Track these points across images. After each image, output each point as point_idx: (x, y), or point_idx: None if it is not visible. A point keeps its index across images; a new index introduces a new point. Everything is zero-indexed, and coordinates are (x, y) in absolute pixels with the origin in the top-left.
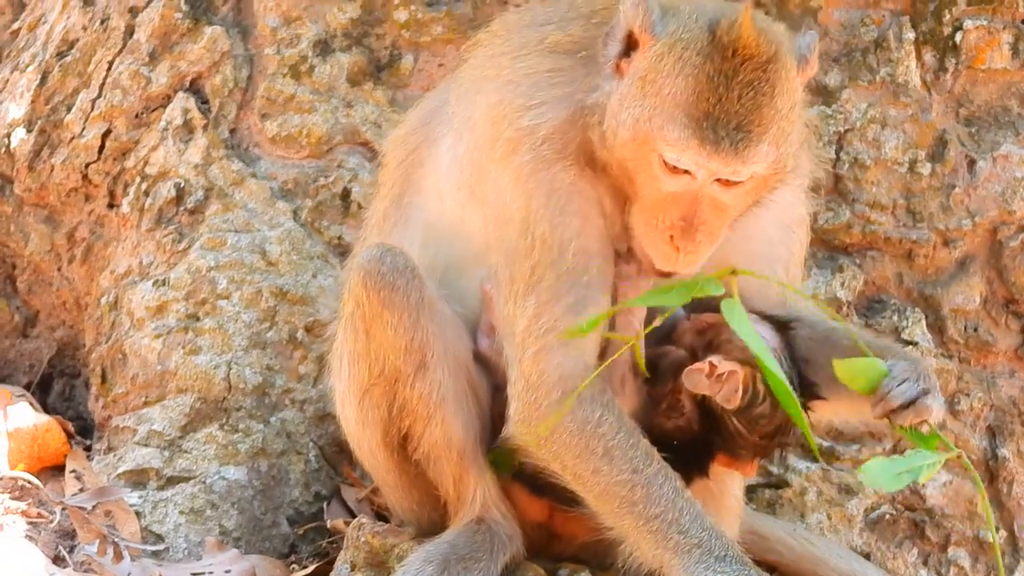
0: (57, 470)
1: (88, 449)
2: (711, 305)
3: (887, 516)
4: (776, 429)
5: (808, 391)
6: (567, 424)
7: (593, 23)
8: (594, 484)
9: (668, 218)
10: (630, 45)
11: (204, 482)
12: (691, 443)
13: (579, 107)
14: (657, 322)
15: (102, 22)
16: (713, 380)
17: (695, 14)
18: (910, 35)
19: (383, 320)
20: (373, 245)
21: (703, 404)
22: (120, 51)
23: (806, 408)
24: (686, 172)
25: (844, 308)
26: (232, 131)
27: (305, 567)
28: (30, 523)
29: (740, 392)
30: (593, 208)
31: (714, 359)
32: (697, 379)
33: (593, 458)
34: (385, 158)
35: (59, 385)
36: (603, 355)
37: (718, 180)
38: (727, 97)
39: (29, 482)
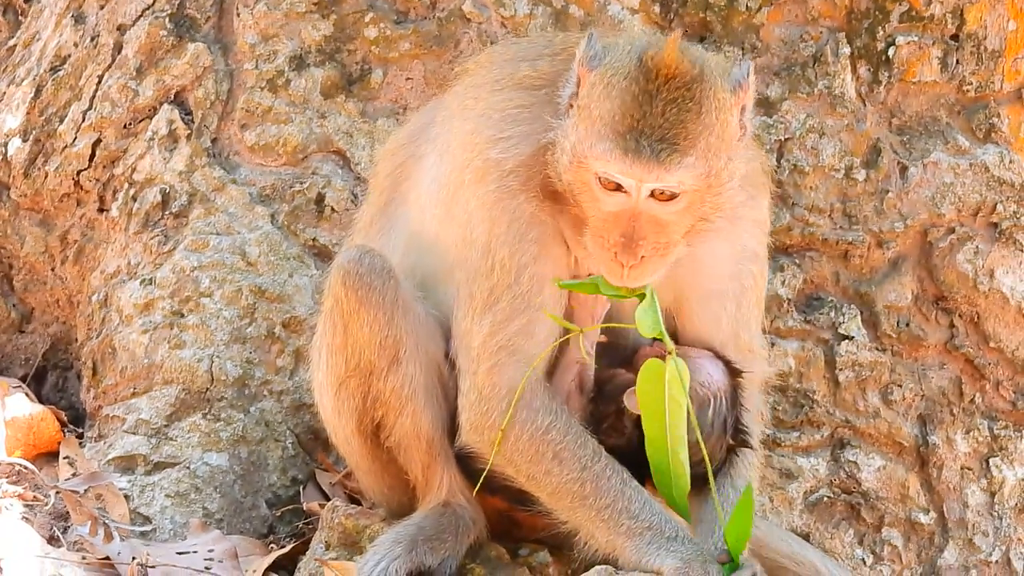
0: (51, 456)
1: (80, 437)
2: (673, 334)
3: (825, 499)
4: (698, 461)
5: (739, 436)
6: (519, 432)
7: (559, 59)
8: (547, 484)
9: (611, 236)
10: (579, 84)
11: (188, 467)
12: (629, 463)
13: (541, 144)
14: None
15: (92, 39)
16: None
17: (629, 46)
18: (846, 50)
19: (360, 317)
20: (353, 247)
21: (641, 426)
22: (109, 66)
23: (731, 448)
24: (620, 189)
25: (785, 305)
26: (214, 140)
27: (283, 546)
28: (26, 506)
29: None
30: (551, 238)
31: None
32: (635, 401)
33: (544, 461)
34: (376, 168)
35: (53, 377)
36: (552, 371)
37: (653, 196)
38: (651, 112)
39: (25, 467)
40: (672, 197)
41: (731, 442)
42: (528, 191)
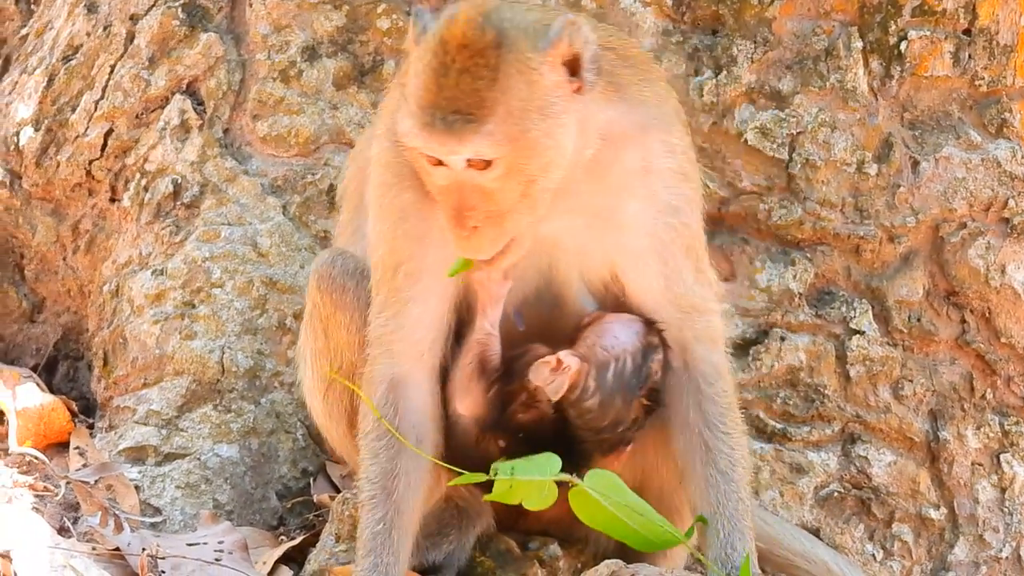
0: (62, 447)
1: (91, 427)
2: (618, 302)
3: (836, 494)
4: (608, 425)
5: (652, 395)
6: (363, 446)
7: None
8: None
9: (447, 209)
10: None
11: (199, 459)
12: (554, 436)
13: None
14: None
15: (105, 28)
16: (553, 373)
17: (445, 17)
18: (858, 44)
19: (337, 320)
20: (326, 250)
21: (557, 405)
22: (122, 56)
23: (647, 409)
24: (442, 163)
25: (796, 299)
26: (226, 131)
27: (293, 538)
28: (37, 496)
29: (566, 386)
30: (432, 229)
31: (562, 354)
32: (540, 371)
33: (363, 462)
34: (346, 171)
35: (64, 367)
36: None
37: (471, 166)
38: (446, 85)
39: (36, 458)
40: (487, 165)
41: (645, 403)
42: (403, 181)
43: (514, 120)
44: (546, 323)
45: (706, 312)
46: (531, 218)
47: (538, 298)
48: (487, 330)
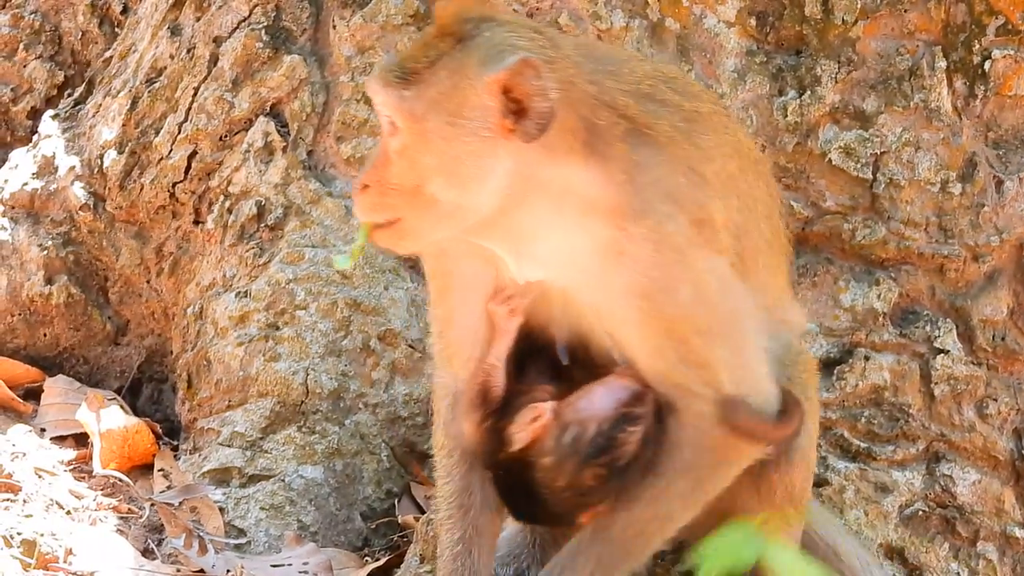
0: (146, 469)
1: (175, 449)
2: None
3: (920, 512)
4: (562, 487)
5: (611, 467)
6: (436, 463)
7: None
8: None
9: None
10: None
11: (283, 480)
12: (524, 486)
13: None
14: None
15: (188, 51)
16: (532, 422)
17: None
18: (942, 64)
19: None
20: None
21: (522, 453)
22: (205, 78)
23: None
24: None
25: (880, 318)
26: (310, 153)
27: (378, 559)
28: (121, 518)
29: (528, 439)
30: (463, 260)
31: (547, 404)
32: (523, 415)
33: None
34: None
35: (148, 389)
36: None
37: (391, 125)
38: (411, 47)
39: (120, 480)
40: (397, 129)
41: (601, 473)
42: None
43: (425, 103)
44: (593, 364)
45: (710, 368)
46: (422, 223)
47: (580, 342)
48: (491, 361)
